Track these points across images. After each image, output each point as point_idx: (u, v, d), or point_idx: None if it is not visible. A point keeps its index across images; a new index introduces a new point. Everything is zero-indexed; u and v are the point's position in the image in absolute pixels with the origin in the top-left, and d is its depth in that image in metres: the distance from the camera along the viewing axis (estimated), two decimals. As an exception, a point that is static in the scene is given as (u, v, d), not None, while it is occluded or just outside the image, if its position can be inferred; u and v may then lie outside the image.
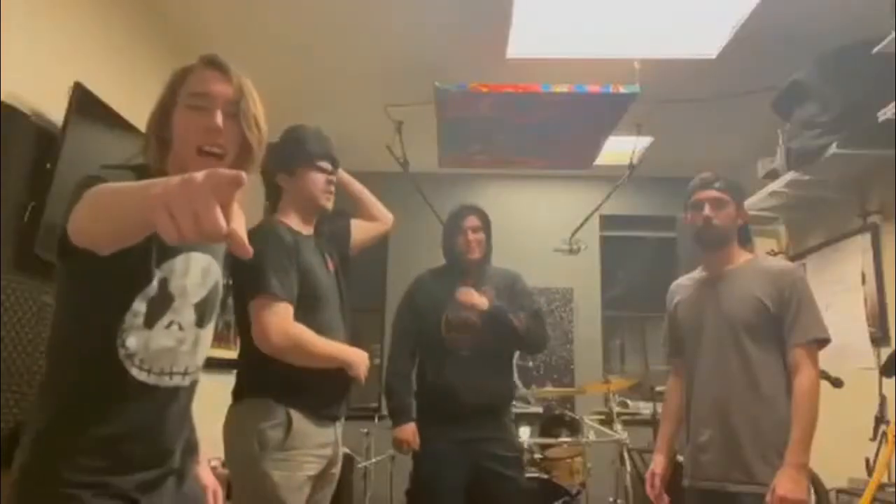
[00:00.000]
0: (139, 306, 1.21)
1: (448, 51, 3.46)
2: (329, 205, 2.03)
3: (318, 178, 2.01)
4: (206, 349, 1.38)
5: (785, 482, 1.80)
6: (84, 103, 2.37)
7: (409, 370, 2.70)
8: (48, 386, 1.25)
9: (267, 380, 1.87)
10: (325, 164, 2.03)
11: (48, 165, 2.23)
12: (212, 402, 1.97)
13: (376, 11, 3.14)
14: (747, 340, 1.98)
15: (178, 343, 1.28)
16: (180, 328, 1.28)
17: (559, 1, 2.95)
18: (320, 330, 1.90)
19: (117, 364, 1.20)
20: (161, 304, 1.24)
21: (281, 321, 1.81)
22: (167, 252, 1.24)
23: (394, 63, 3.61)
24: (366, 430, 4.34)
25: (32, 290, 2.25)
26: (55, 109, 2.31)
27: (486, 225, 2.74)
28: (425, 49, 3.46)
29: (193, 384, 1.36)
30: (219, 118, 1.27)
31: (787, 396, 1.93)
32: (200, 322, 1.33)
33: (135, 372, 1.22)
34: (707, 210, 2.06)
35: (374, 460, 4.26)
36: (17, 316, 2.18)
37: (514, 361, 2.84)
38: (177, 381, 1.29)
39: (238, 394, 1.93)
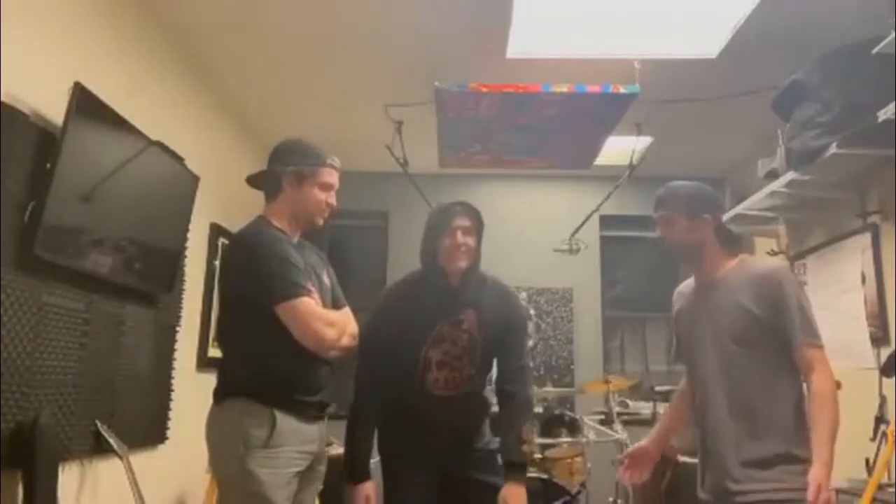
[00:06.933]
0: None
1: (448, 51, 3.46)
2: (321, 223, 2.11)
3: (321, 197, 2.08)
4: None
5: (815, 476, 1.74)
6: (84, 103, 2.37)
7: (371, 413, 2.22)
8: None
9: (249, 380, 1.91)
10: (333, 184, 2.11)
11: (48, 165, 2.23)
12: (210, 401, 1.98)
13: (376, 11, 3.13)
14: (737, 350, 1.94)
15: None
16: None
17: (559, 1, 2.95)
18: None
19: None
20: None
21: (325, 316, 1.95)
22: None
23: (394, 63, 3.61)
24: (366, 430, 4.33)
25: (32, 290, 2.25)
26: (55, 109, 2.31)
27: (478, 227, 2.23)
28: (425, 49, 3.46)
29: None
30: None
31: (781, 403, 1.89)
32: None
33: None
34: (658, 230, 2.12)
35: (373, 460, 4.25)
36: (17, 316, 2.18)
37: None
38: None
39: (220, 395, 1.95)
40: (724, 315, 1.98)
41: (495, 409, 2.38)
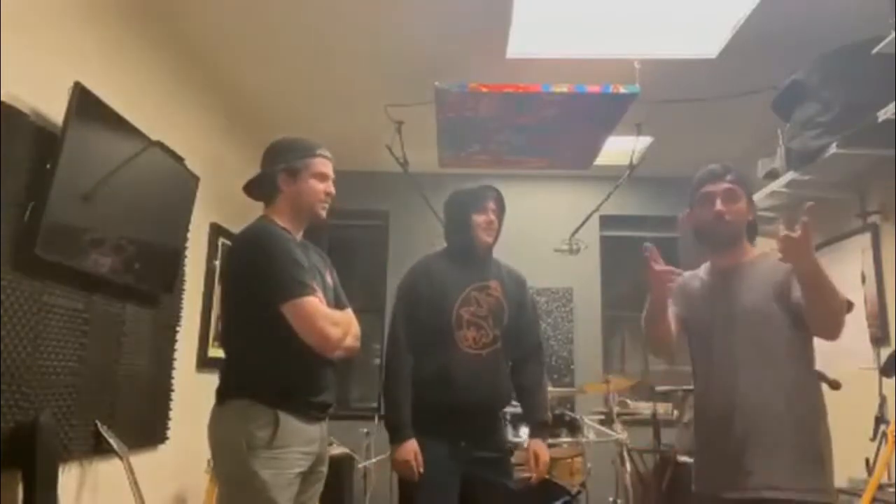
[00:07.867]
0: None
1: (448, 51, 3.46)
2: (323, 214, 2.10)
3: (319, 187, 2.06)
4: None
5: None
6: (84, 103, 2.38)
7: (409, 373, 2.38)
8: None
9: (252, 380, 1.90)
10: (328, 173, 2.09)
11: (48, 165, 2.24)
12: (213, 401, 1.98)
13: (376, 12, 3.14)
14: (769, 335, 1.82)
15: None
16: None
17: (559, 1, 2.95)
18: None
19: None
20: None
21: (330, 315, 1.94)
22: None
23: (394, 63, 3.61)
24: (366, 430, 4.33)
25: (32, 290, 2.26)
26: (55, 109, 2.31)
27: (502, 211, 2.59)
28: (425, 49, 3.46)
29: None
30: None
31: (812, 392, 1.83)
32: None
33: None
34: (719, 204, 1.88)
35: (374, 460, 4.25)
36: (18, 316, 2.18)
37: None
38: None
39: (223, 395, 1.94)
40: (757, 296, 1.85)
41: (510, 409, 2.65)
